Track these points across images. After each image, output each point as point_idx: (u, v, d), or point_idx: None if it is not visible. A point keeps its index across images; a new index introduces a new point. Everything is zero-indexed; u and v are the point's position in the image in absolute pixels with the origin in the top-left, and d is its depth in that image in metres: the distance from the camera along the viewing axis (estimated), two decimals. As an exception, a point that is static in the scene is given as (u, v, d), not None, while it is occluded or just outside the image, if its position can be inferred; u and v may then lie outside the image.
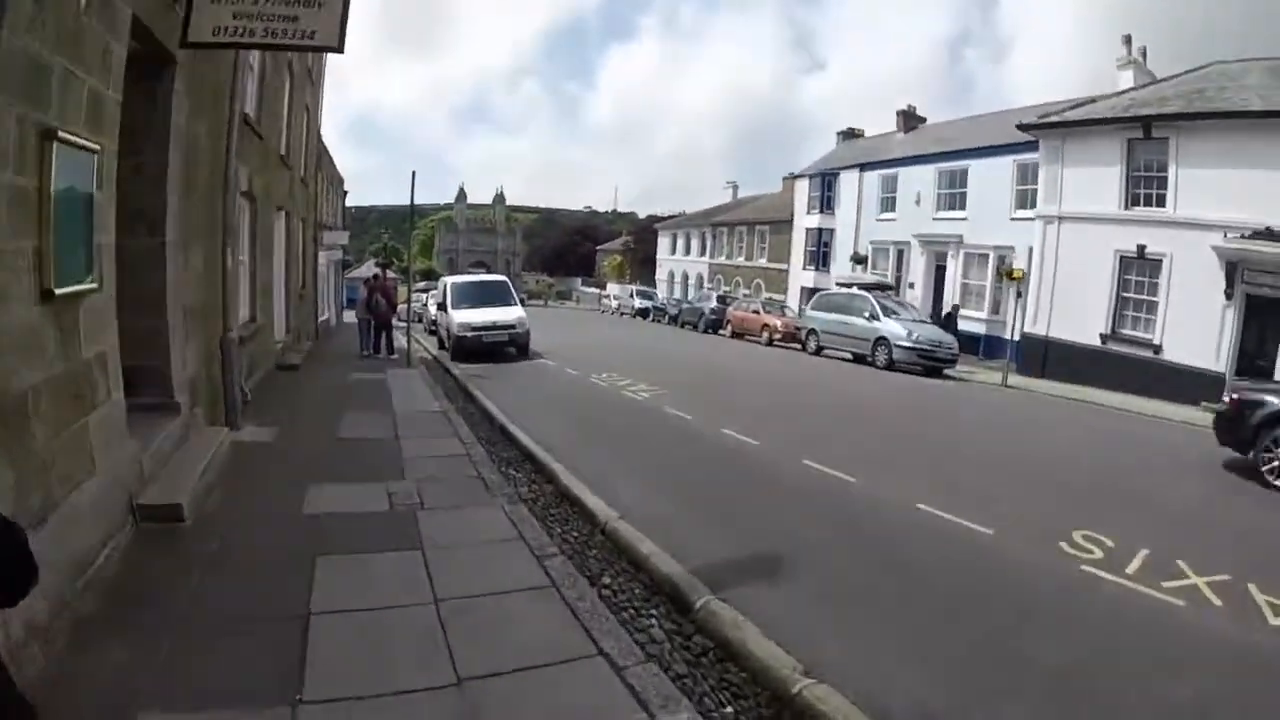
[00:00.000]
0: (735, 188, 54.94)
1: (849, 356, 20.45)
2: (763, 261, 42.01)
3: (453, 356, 16.87)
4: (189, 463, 6.01)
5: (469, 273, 37.02)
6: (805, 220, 36.23)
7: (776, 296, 35.52)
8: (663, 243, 55.84)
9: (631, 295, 43.51)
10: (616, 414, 11.17)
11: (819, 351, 21.75)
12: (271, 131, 12.46)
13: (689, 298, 43.00)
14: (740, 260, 44.45)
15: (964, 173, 26.91)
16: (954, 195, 27.33)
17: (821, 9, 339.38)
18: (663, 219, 60.97)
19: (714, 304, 30.91)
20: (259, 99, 11.42)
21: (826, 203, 34.65)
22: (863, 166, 33.01)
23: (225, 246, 8.25)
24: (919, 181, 28.83)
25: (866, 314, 20.06)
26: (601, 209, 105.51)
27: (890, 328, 19.05)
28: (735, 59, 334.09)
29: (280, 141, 13.42)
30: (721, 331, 28.93)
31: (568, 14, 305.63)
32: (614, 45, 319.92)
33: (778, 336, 24.83)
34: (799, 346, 23.12)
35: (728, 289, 42.52)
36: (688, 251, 51.73)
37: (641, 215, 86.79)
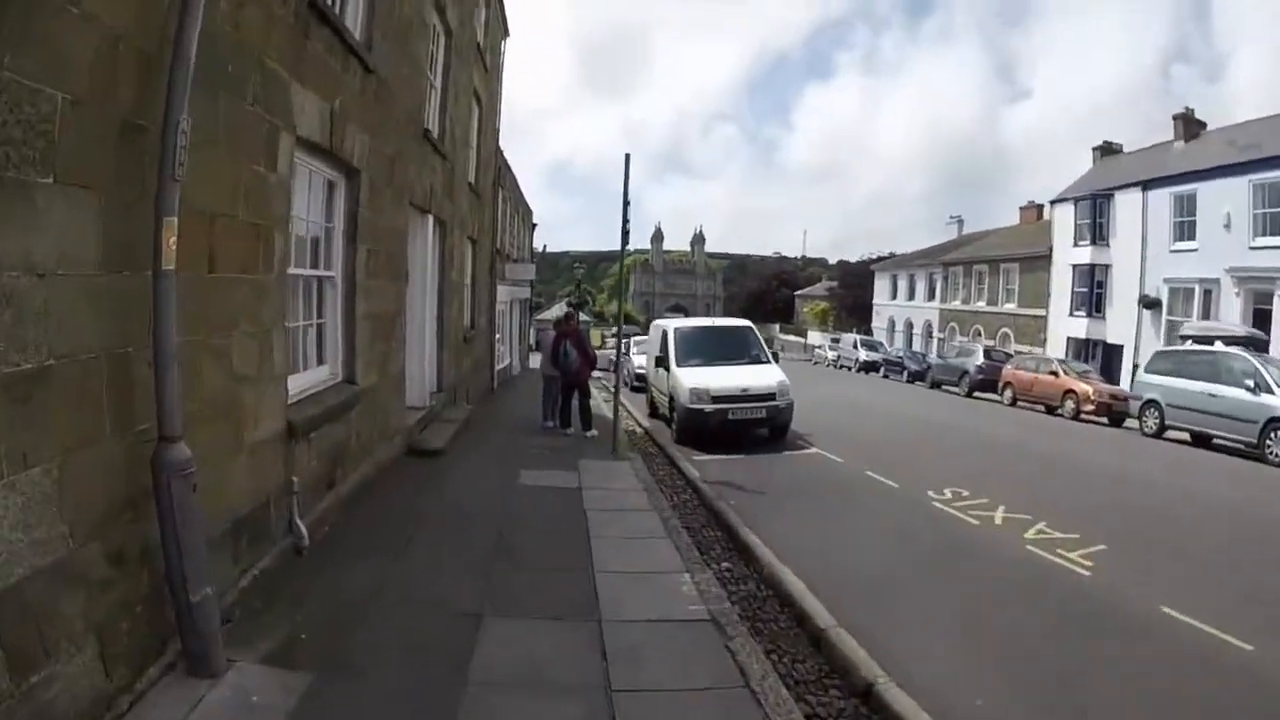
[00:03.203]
0: (960, 223, 46.08)
1: (1218, 441, 13.54)
2: (1010, 306, 33.50)
3: (678, 437, 11.28)
4: None
5: (668, 316, 31.57)
6: (1070, 255, 28.74)
7: (1033, 349, 28.04)
8: (880, 286, 47.84)
9: (855, 346, 36.43)
10: (1096, 634, 4.81)
11: (1160, 433, 14.90)
12: (396, 64, 7.52)
13: (919, 350, 36.27)
14: (980, 305, 35.99)
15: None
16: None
17: (1026, 33, 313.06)
18: (871, 261, 53.01)
19: (980, 359, 23.65)
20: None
21: (1099, 232, 27.33)
22: (1146, 185, 25.05)
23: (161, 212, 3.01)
24: (1227, 200, 21.94)
25: (1251, 383, 12.99)
26: (790, 254, 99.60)
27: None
28: (935, 91, 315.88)
29: (415, 95, 8.51)
30: (988, 395, 22.05)
31: (770, 54, 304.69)
32: (812, 85, 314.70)
33: (1089, 409, 17.60)
34: (1105, 421, 17.14)
35: (964, 339, 34.91)
36: (911, 296, 43.60)
37: (831, 261, 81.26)
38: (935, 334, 39.45)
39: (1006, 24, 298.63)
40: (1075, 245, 28.38)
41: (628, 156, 9.23)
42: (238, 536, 4.30)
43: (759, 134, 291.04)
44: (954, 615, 4.83)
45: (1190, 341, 18.00)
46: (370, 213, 6.72)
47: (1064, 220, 29.46)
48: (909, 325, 43.15)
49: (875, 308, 47.63)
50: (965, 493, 8.28)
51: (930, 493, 8.31)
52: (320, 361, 6.24)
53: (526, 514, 6.29)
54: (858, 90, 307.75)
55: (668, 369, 11.98)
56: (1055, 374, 19.48)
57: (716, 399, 10.73)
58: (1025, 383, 20.37)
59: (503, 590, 4.69)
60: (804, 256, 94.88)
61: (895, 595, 5.21)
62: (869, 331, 43.46)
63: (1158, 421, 15.11)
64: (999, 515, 7.46)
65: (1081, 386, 18.29)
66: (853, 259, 61.05)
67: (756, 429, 11.10)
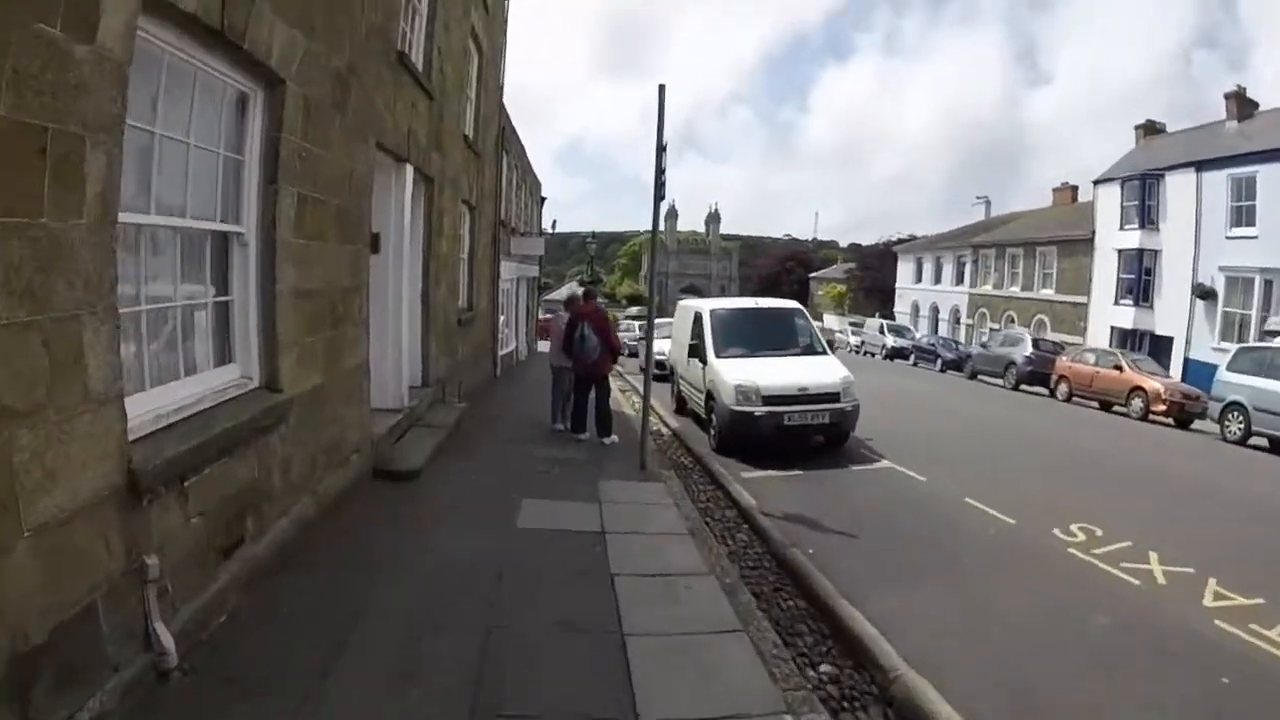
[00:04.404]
0: (988, 203, 43.43)
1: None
2: (1048, 292, 31.10)
3: (719, 445, 9.13)
4: None
5: (683, 296, 29.37)
6: (1115, 238, 26.67)
7: (1072, 339, 25.95)
8: (903, 269, 45.22)
9: (881, 331, 34.07)
10: None
11: (1245, 439, 13.13)
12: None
13: (948, 336, 34.28)
14: (1014, 290, 33.50)
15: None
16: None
17: (1050, 13, 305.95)
18: (892, 243, 50.13)
19: (1028, 349, 21.31)
20: None
21: (1147, 215, 25.39)
22: (1200, 166, 22.99)
23: None
24: None
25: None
26: (802, 237, 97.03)
27: None
28: (955, 74, 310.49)
29: (384, 2, 6.37)
30: (1036, 389, 20.07)
31: (789, 34, 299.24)
32: (830, 66, 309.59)
33: (1160, 408, 15.73)
34: (1171, 422, 15.52)
35: (996, 326, 32.94)
36: (938, 279, 41.01)
37: (844, 244, 78.53)
38: (963, 319, 37.34)
39: (1030, 7, 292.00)
40: (1122, 229, 26.38)
41: (662, 88, 7.07)
42: (24, 682, 2.34)
43: (775, 116, 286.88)
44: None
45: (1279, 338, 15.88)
46: (304, 144, 4.64)
47: (1109, 202, 27.33)
48: (934, 310, 40.81)
49: (898, 291, 45.26)
50: (1098, 532, 6.35)
51: (1058, 532, 6.35)
52: (222, 360, 4.21)
53: (526, 589, 4.23)
54: (876, 72, 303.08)
55: (703, 360, 9.82)
56: (1120, 369, 17.44)
57: (769, 400, 8.60)
58: (1084, 377, 18.33)
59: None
60: (816, 239, 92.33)
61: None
62: (890, 315, 40.97)
63: (1242, 427, 13.13)
64: (1157, 569, 5.58)
65: (1151, 384, 16.26)
66: (865, 242, 58.56)
67: (817, 436, 8.98)
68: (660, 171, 6.98)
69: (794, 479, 7.86)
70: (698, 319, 10.45)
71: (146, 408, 3.37)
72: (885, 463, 8.75)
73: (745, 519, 6.30)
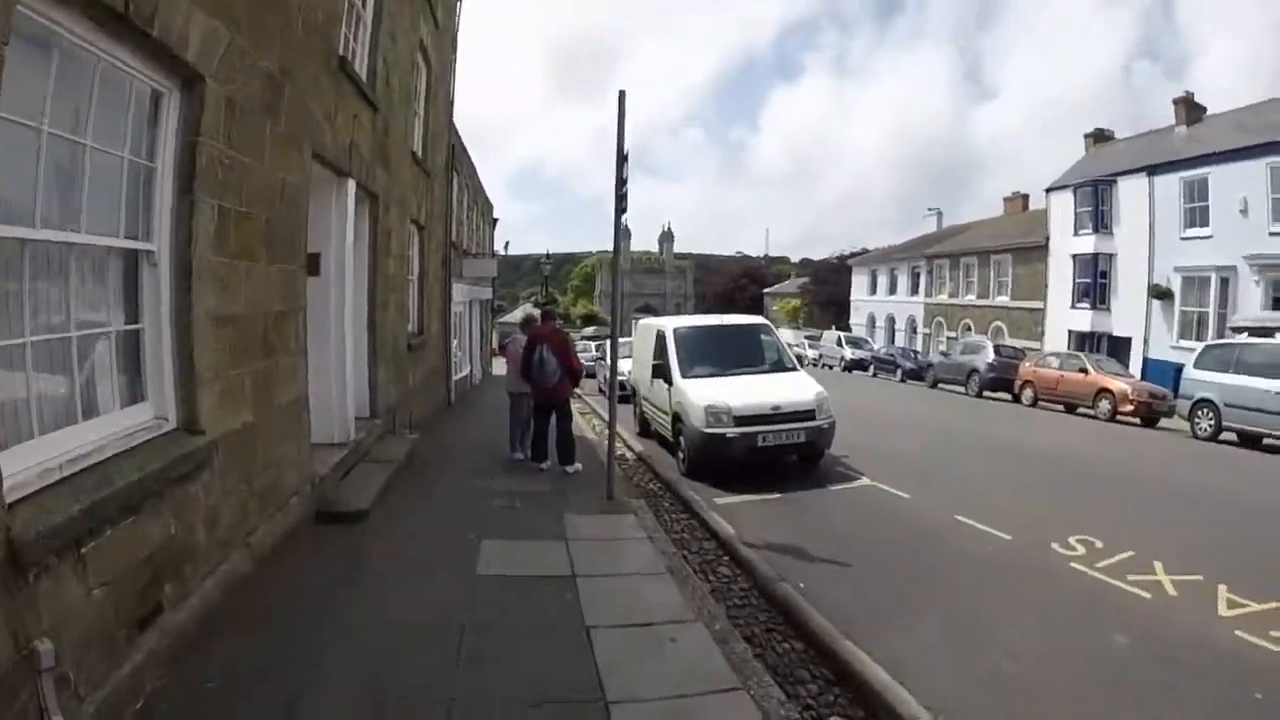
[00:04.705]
0: (940, 215, 44.09)
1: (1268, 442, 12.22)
2: (1003, 299, 31.79)
3: (689, 470, 8.67)
4: None
5: (638, 315, 29.01)
6: (1070, 244, 27.28)
7: (1030, 344, 26.56)
8: (858, 281, 45.77)
9: (839, 343, 34.21)
10: None
11: (1215, 435, 13.24)
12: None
13: (906, 346, 34.90)
14: (970, 298, 34.09)
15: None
16: (1302, 199, 18.94)
17: (994, 30, 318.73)
18: (846, 257, 50.99)
19: (990, 356, 21.42)
20: None
21: (1101, 220, 26.05)
22: (1152, 170, 23.91)
23: None
24: (1242, 184, 20.71)
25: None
26: (753, 253, 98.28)
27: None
28: (902, 93, 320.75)
29: (323, 2, 5.86)
30: (999, 396, 20.33)
31: (739, 56, 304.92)
32: (780, 87, 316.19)
33: (1127, 409, 15.82)
34: (1138, 422, 15.65)
35: (953, 335, 33.64)
36: (893, 290, 41.62)
37: (795, 259, 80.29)
38: (920, 329, 37.94)
39: (976, 23, 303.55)
40: (1076, 234, 27.05)
41: (622, 95, 6.66)
42: None
43: (726, 136, 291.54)
44: None
45: (1245, 334, 16.16)
46: (228, 150, 4.11)
47: (1062, 208, 28.03)
48: (890, 321, 41.41)
49: (853, 303, 45.76)
50: (1098, 543, 6.11)
51: (1056, 546, 6.09)
52: (132, 399, 3.63)
53: (492, 649, 3.70)
54: (826, 92, 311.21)
55: (668, 380, 9.37)
56: (1085, 371, 17.62)
57: (741, 420, 8.20)
58: (1049, 381, 18.51)
59: None
60: (767, 255, 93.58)
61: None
62: (846, 328, 41.31)
63: (1213, 423, 13.26)
64: (1165, 579, 5.33)
65: (1118, 385, 16.42)
66: (817, 257, 59.40)
67: (790, 455, 8.62)
68: (622, 182, 6.58)
69: (772, 503, 7.47)
70: (660, 338, 10.04)
71: (32, 460, 2.81)
72: (865, 480, 8.44)
73: (726, 550, 5.87)
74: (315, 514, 5.55)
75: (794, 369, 9.74)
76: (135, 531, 3.24)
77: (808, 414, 8.45)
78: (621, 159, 6.56)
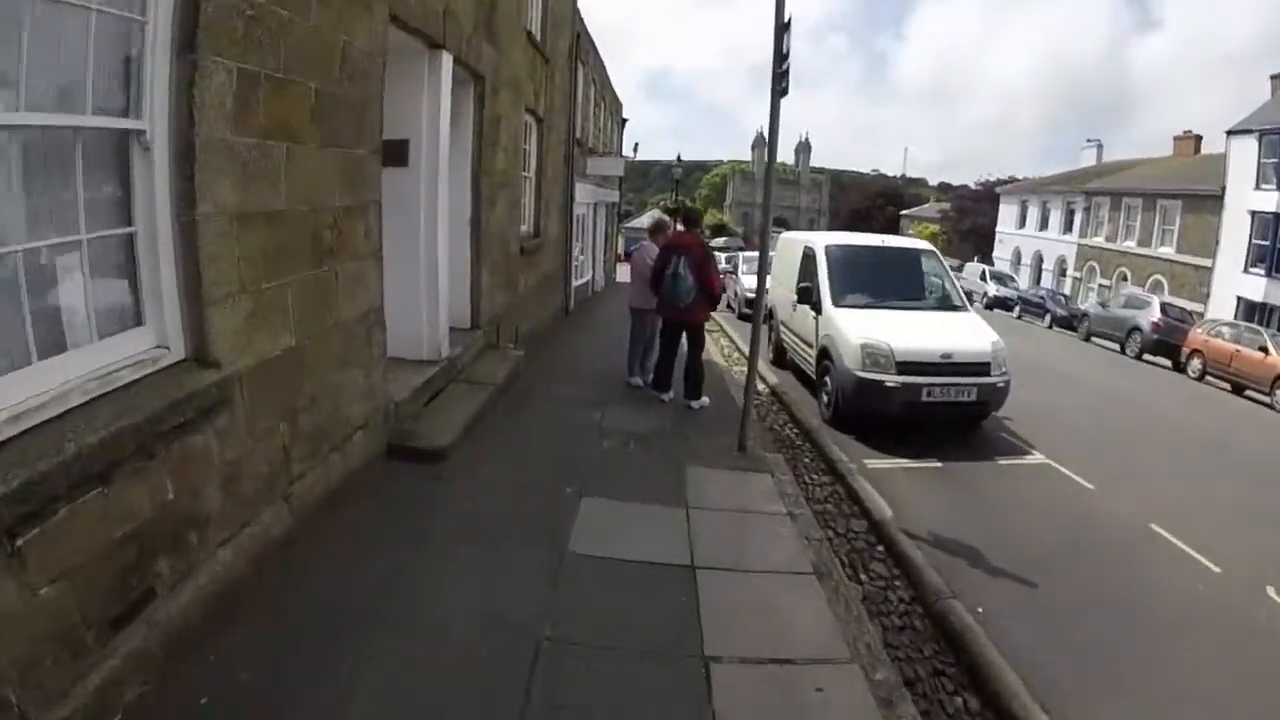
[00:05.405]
0: (1100, 147, 38.41)
1: None
2: (1167, 250, 27.25)
3: (835, 417, 7.37)
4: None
5: (774, 230, 26.98)
6: (1250, 199, 23.19)
7: (1193, 305, 22.45)
8: (1006, 212, 40.83)
9: (984, 277, 30.55)
10: None
11: None
12: None
13: (1052, 289, 30.71)
14: (1129, 245, 29.41)
15: None
16: None
17: None
18: (995, 183, 45.34)
19: (1156, 315, 18.20)
20: None
21: None
22: None
23: None
24: None
25: None
26: (889, 173, 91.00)
27: None
28: (1059, 14, 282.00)
29: None
30: (1159, 360, 17.58)
31: None
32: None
33: None
34: None
35: (1106, 282, 29.73)
36: (1043, 226, 36.73)
37: (933, 182, 74.67)
38: (1069, 272, 33.62)
39: None
40: (1258, 188, 22.77)
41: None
42: None
43: (869, 45, 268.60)
44: None
45: None
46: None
47: (1243, 156, 23.49)
48: (1038, 259, 36.94)
49: (999, 236, 41.22)
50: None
51: (1273, 593, 4.49)
52: (126, 323, 2.80)
53: (573, 686, 2.74)
54: (979, 5, 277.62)
55: (816, 308, 7.92)
56: (1265, 351, 14.57)
57: (904, 367, 6.74)
58: (1221, 355, 15.60)
59: None
60: (904, 175, 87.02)
61: None
62: (989, 261, 37.22)
63: None
64: None
65: None
66: (955, 182, 53.94)
67: (963, 413, 7.13)
68: (783, 57, 5.07)
69: (931, 474, 6.13)
70: (808, 256, 8.54)
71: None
72: (1038, 456, 6.89)
73: (880, 538, 4.66)
74: (387, 448, 4.77)
75: (964, 308, 8.10)
76: (107, 505, 2.44)
77: (982, 367, 6.91)
78: (782, 27, 5.06)
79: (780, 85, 5.12)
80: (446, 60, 5.84)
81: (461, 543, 3.77)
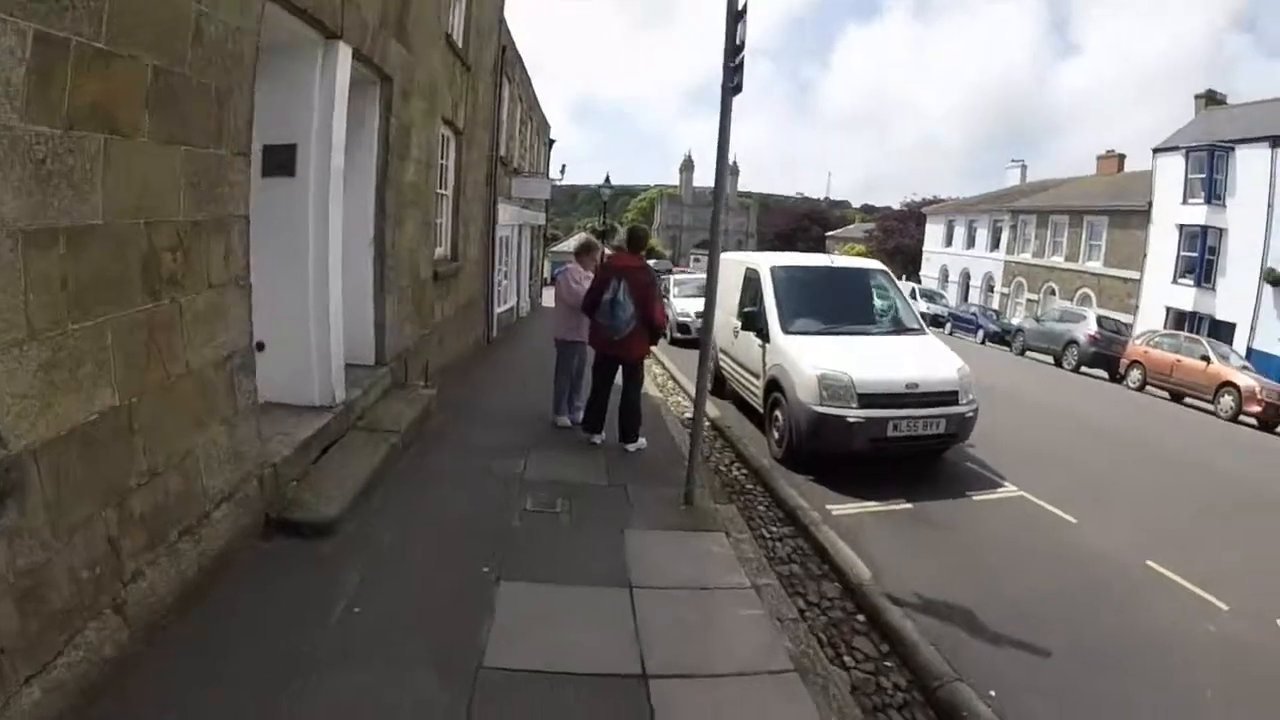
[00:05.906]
0: (1024, 167, 40.67)
1: None
2: (1094, 265, 28.70)
3: (788, 455, 6.70)
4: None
5: (697, 250, 26.68)
6: (1176, 213, 24.59)
7: (1123, 317, 23.48)
8: (932, 231, 42.47)
9: (914, 295, 31.33)
10: None
11: None
12: None
13: (982, 304, 32.11)
14: (1056, 260, 30.88)
15: None
16: None
17: None
18: (921, 204, 47.52)
19: (1092, 328, 18.93)
20: None
21: (1214, 190, 23.43)
22: (1276, 141, 21.03)
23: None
24: None
25: None
26: (814, 196, 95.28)
27: None
28: (981, 42, 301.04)
29: None
30: (1095, 372, 18.21)
31: None
32: (854, 25, 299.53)
33: (1254, 409, 13.54)
34: (1255, 424, 13.31)
35: (1034, 297, 31.19)
36: (970, 244, 38.29)
37: (856, 204, 78.06)
38: (997, 288, 34.94)
39: None
40: (1184, 203, 24.24)
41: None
42: None
43: (795, 73, 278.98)
44: None
45: None
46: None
47: (1170, 172, 24.96)
48: (965, 276, 38.50)
49: (926, 255, 42.87)
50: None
51: None
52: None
53: None
54: (902, 34, 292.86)
55: (763, 335, 7.31)
56: (1207, 360, 15.22)
57: (866, 399, 6.19)
58: (1162, 365, 16.26)
59: None
60: (828, 198, 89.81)
61: None
62: (916, 280, 38.41)
63: None
64: None
65: (1245, 381, 14.22)
66: (879, 204, 56.18)
67: (930, 446, 6.68)
68: (736, 49, 4.48)
69: (901, 517, 5.58)
70: (751, 279, 7.95)
71: None
72: (1012, 489, 6.47)
73: (861, 607, 4.02)
74: (265, 520, 3.86)
75: (922, 331, 7.66)
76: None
77: (950, 396, 6.46)
78: (735, 15, 4.48)
79: (733, 81, 4.53)
80: (344, 53, 5.02)
81: (340, 667, 2.86)
